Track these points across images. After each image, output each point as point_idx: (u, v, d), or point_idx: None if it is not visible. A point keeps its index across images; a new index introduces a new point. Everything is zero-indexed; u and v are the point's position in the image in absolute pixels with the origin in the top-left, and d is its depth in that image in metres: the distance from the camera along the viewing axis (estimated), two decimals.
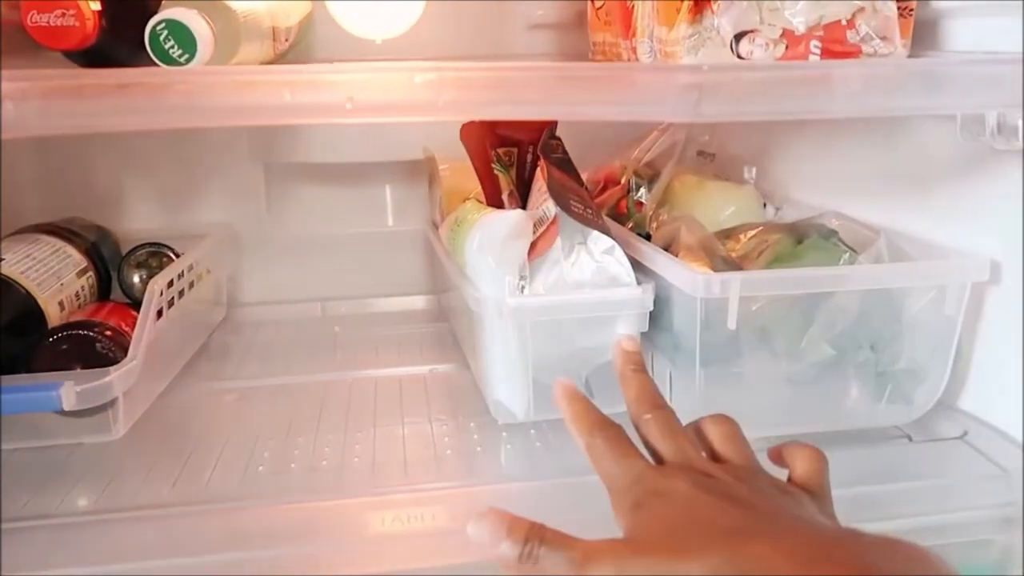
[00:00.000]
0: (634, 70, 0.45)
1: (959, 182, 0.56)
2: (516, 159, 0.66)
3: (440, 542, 0.45)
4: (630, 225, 0.68)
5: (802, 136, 0.73)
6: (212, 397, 0.64)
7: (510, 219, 0.54)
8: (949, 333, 0.53)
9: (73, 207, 0.75)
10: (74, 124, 0.37)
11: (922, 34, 0.53)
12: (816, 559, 0.29)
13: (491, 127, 0.63)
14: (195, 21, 0.45)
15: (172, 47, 0.45)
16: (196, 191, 0.85)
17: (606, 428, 0.37)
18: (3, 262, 0.58)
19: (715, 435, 0.38)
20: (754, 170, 0.74)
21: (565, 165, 0.60)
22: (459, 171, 0.69)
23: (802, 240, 0.57)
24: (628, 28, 0.57)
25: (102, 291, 0.68)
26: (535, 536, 0.32)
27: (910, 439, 0.54)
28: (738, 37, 0.48)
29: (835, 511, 0.36)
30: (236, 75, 0.39)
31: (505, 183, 0.63)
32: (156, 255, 0.71)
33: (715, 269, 0.53)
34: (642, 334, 0.54)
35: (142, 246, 0.71)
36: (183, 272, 0.67)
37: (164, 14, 0.45)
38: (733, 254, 0.58)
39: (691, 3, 0.48)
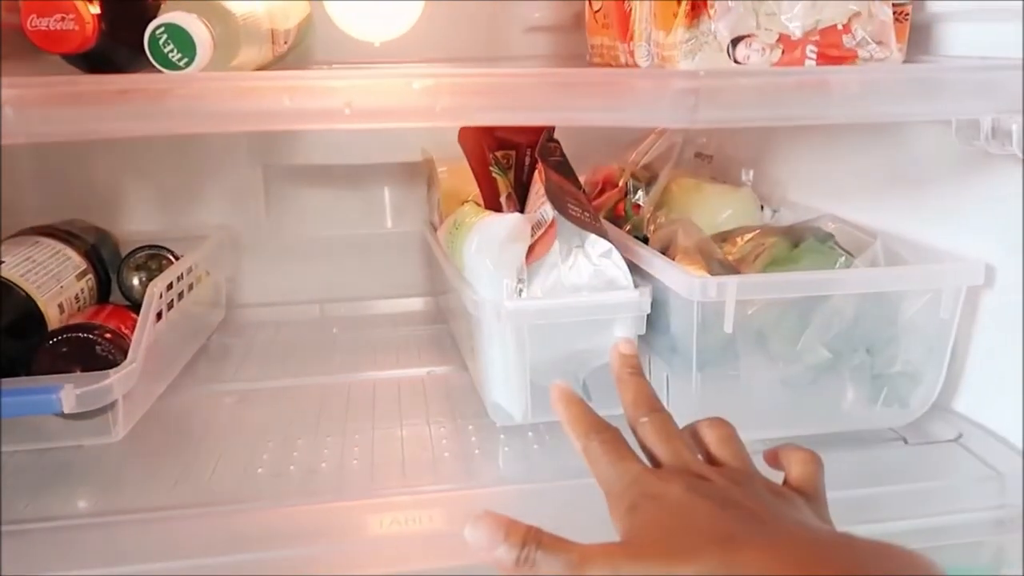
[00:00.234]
0: (630, 76, 0.45)
1: (954, 186, 0.56)
2: (514, 162, 0.66)
3: (438, 544, 0.45)
4: (628, 228, 0.68)
5: (800, 139, 0.74)
6: (211, 399, 0.64)
7: (508, 222, 0.54)
8: (944, 336, 0.53)
9: (73, 209, 0.75)
10: (74, 130, 0.37)
11: (917, 38, 0.53)
12: (808, 563, 0.29)
13: (489, 130, 0.63)
14: (194, 25, 0.45)
15: (171, 51, 0.45)
16: (196, 193, 0.85)
17: (603, 431, 0.37)
18: (3, 265, 0.58)
19: (711, 438, 0.39)
20: (751, 173, 0.75)
21: (563, 168, 0.60)
22: (457, 173, 0.69)
23: (798, 243, 0.57)
24: (626, 32, 0.58)
25: (102, 293, 0.68)
26: (532, 540, 0.33)
27: (905, 441, 0.54)
28: (735, 42, 0.48)
29: (830, 513, 0.36)
30: (236, 81, 0.40)
31: (503, 186, 0.63)
32: (155, 257, 0.71)
33: (712, 272, 0.54)
34: (639, 337, 0.55)
35: (141, 248, 0.72)
36: (182, 275, 0.67)
37: (163, 18, 0.45)
38: (730, 257, 0.58)
39: (688, 7, 0.48)
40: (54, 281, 0.61)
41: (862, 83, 0.42)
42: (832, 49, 0.48)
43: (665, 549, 0.31)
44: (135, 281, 0.71)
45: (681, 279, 0.50)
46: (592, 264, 0.54)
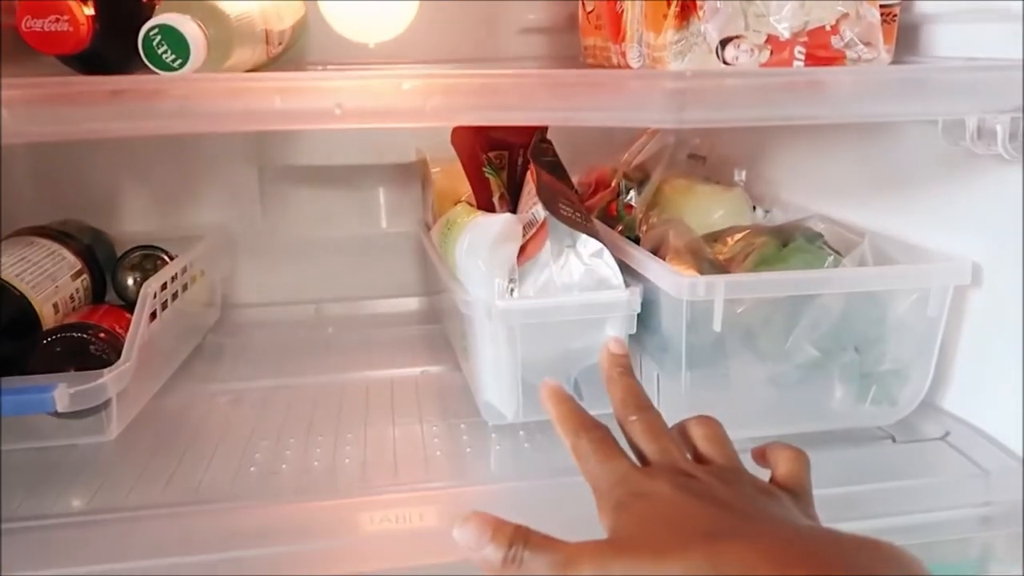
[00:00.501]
0: (618, 76, 0.46)
1: (941, 185, 0.56)
2: (507, 162, 0.66)
3: (429, 542, 0.45)
4: (620, 228, 0.69)
5: (792, 139, 0.74)
6: (206, 398, 0.64)
7: (499, 222, 0.54)
8: (932, 334, 0.53)
9: (69, 209, 0.75)
10: (68, 131, 0.38)
11: (906, 39, 0.53)
12: (795, 560, 0.29)
13: (482, 130, 0.64)
14: (188, 26, 0.45)
15: (165, 52, 0.45)
16: (192, 193, 0.85)
17: (592, 429, 0.37)
18: None
19: (699, 436, 0.39)
20: (744, 173, 0.75)
21: (555, 168, 0.60)
22: (451, 173, 0.70)
23: (788, 243, 0.58)
24: (618, 32, 0.58)
25: (97, 293, 0.68)
26: (519, 539, 0.33)
27: (894, 440, 0.55)
28: (724, 43, 0.49)
29: (817, 511, 0.37)
30: (228, 81, 0.40)
31: (496, 186, 0.64)
32: (150, 257, 0.71)
33: (702, 272, 0.54)
34: (630, 336, 0.55)
35: (136, 249, 0.72)
36: (177, 275, 0.67)
37: (157, 20, 0.45)
38: (720, 257, 0.58)
39: (677, 9, 0.49)
40: (49, 281, 0.61)
41: (848, 83, 0.43)
42: (820, 50, 0.49)
43: (651, 545, 0.31)
44: (130, 281, 0.71)
45: (670, 279, 0.51)
46: (583, 264, 0.54)
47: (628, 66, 0.56)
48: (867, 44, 0.49)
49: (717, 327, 0.50)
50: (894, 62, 0.50)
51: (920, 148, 0.57)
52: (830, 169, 0.69)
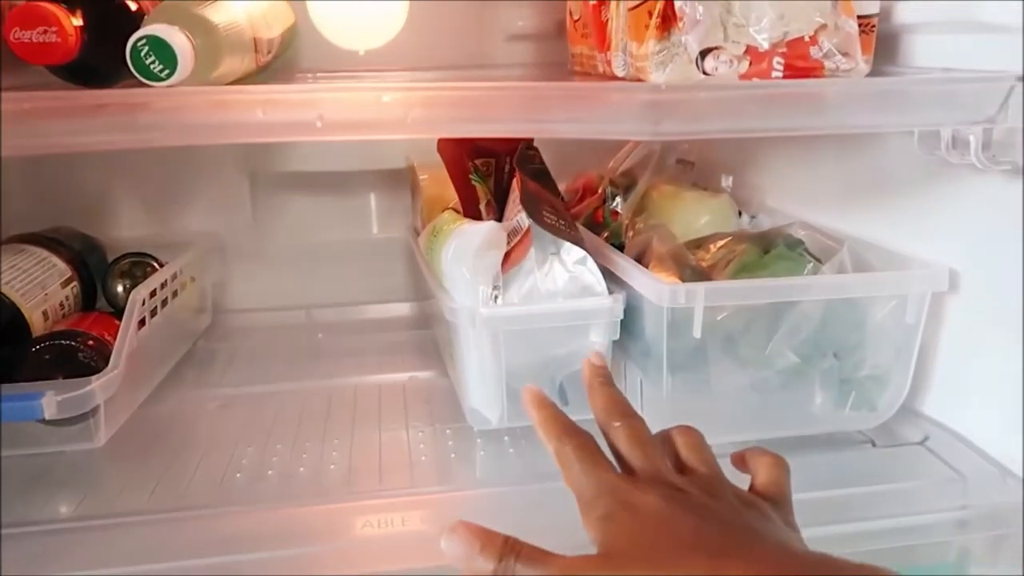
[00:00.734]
0: (597, 89, 0.46)
1: (918, 194, 0.57)
2: (494, 169, 0.67)
3: (413, 546, 0.46)
4: (606, 234, 0.69)
5: (777, 146, 0.75)
6: (195, 405, 0.65)
7: (484, 230, 0.55)
8: (910, 340, 0.54)
9: (60, 215, 0.75)
10: (53, 143, 0.38)
11: (885, 48, 0.54)
12: None
13: (469, 138, 0.64)
14: (176, 37, 0.46)
15: (153, 63, 0.46)
16: (184, 200, 0.86)
17: (575, 435, 0.37)
18: None
19: (681, 444, 0.39)
20: (731, 179, 0.76)
21: (541, 175, 0.61)
22: (439, 180, 0.70)
23: (769, 250, 0.58)
24: (603, 41, 0.59)
25: (87, 300, 0.69)
26: (510, 552, 0.33)
27: (873, 444, 0.55)
28: (703, 53, 0.49)
29: (798, 515, 0.37)
30: (211, 94, 0.41)
31: (483, 193, 0.64)
32: (140, 264, 0.72)
33: (684, 279, 0.55)
34: (614, 342, 0.56)
35: (126, 256, 0.72)
36: (166, 281, 0.68)
37: (145, 30, 0.46)
38: (703, 263, 0.59)
39: (659, 20, 0.49)
40: (39, 288, 0.62)
41: (824, 96, 0.43)
42: (799, 60, 0.49)
43: (648, 562, 0.31)
44: (120, 288, 0.71)
45: (652, 285, 0.51)
46: (567, 271, 0.55)
47: (614, 75, 0.57)
48: (845, 55, 0.50)
49: (697, 333, 0.50)
50: (873, 72, 0.51)
51: (898, 157, 0.57)
52: (813, 176, 0.70)
